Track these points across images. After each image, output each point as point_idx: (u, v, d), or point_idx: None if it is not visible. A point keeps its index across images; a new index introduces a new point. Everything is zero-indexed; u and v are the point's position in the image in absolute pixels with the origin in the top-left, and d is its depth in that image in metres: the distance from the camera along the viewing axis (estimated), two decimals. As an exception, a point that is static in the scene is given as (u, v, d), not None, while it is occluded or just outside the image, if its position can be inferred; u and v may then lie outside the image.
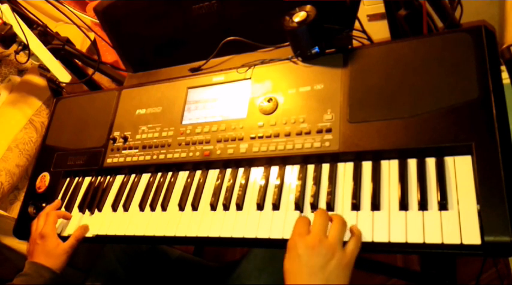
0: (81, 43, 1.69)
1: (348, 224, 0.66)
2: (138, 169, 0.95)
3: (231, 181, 0.82)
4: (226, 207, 0.80)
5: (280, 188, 0.77)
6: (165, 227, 0.83)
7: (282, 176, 0.78)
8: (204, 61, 1.01)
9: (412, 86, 0.72)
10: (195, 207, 0.83)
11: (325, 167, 0.76)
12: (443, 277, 1.06)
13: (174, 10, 0.99)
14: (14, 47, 1.21)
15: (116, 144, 0.98)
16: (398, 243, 0.63)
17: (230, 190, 0.81)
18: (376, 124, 0.72)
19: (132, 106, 1.01)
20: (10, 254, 1.30)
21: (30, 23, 1.24)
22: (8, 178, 1.36)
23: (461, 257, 1.29)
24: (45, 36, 1.26)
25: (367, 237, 0.65)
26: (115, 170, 0.97)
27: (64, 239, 0.88)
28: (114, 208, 0.91)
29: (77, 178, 1.02)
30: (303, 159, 0.78)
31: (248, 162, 0.83)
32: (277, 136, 0.80)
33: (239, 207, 0.78)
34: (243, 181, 0.81)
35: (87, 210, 0.94)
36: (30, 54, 1.19)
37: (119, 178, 0.97)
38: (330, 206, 0.71)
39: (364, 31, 0.91)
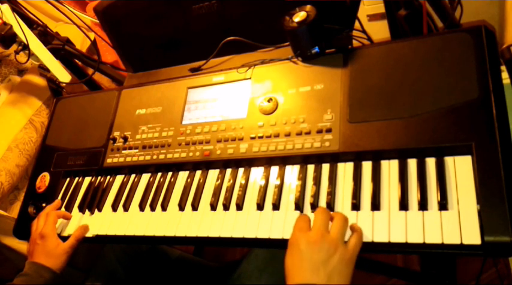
0: (81, 43, 1.69)
1: (341, 208, 0.66)
2: (138, 169, 0.95)
3: (231, 181, 0.82)
4: (226, 207, 0.80)
5: (280, 188, 0.77)
6: (165, 227, 0.83)
7: (282, 176, 0.78)
8: (204, 61, 1.01)
9: (412, 86, 0.72)
10: (195, 207, 0.83)
11: (325, 167, 0.76)
12: (443, 277, 1.06)
13: (174, 10, 0.99)
14: (14, 47, 1.21)
15: (116, 144, 0.98)
16: (398, 243, 0.63)
17: (230, 190, 0.81)
18: (376, 124, 0.72)
19: (132, 106, 1.01)
20: (10, 254, 1.30)
21: (30, 23, 1.24)
22: (8, 178, 1.36)
23: (461, 257, 1.29)
24: (45, 36, 1.26)
25: (367, 238, 0.65)
26: (115, 170, 0.97)
27: (64, 239, 0.88)
28: (114, 208, 0.91)
29: (77, 178, 1.02)
30: (303, 159, 0.78)
31: (248, 162, 0.83)
32: (277, 136, 0.80)
33: (239, 207, 0.78)
34: (243, 181, 0.81)
35: (87, 210, 0.94)
36: (30, 54, 1.19)
37: (119, 178, 0.97)
38: (330, 206, 0.71)
39: (364, 31, 0.91)
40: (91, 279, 1.02)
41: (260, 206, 0.76)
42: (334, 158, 0.76)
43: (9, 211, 1.40)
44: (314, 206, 0.72)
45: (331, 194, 0.72)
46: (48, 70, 1.27)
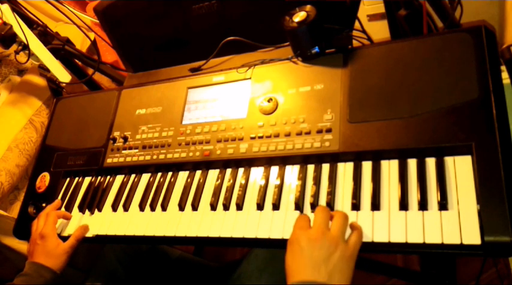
0: (81, 43, 1.69)
1: (341, 207, 0.66)
2: (138, 169, 0.95)
3: (231, 181, 0.82)
4: (226, 207, 0.80)
5: (280, 188, 0.77)
6: (165, 227, 0.83)
7: (282, 176, 0.78)
8: (204, 61, 1.01)
9: (412, 86, 0.72)
10: (195, 207, 0.83)
11: (325, 167, 0.76)
12: (443, 277, 1.06)
13: (174, 10, 0.99)
14: (14, 47, 1.21)
15: (116, 144, 0.98)
16: (398, 243, 0.63)
17: (230, 190, 0.81)
18: (376, 124, 0.72)
19: (132, 106, 1.01)
20: (10, 254, 1.30)
21: (30, 23, 1.24)
22: (8, 178, 1.36)
23: (461, 257, 1.29)
24: (45, 36, 1.26)
25: (367, 237, 0.65)
26: (115, 170, 0.97)
27: (64, 239, 0.88)
28: (114, 208, 0.91)
29: (77, 178, 1.02)
30: (303, 159, 0.78)
31: (248, 162, 0.83)
32: (277, 136, 0.80)
33: (239, 207, 0.78)
34: (243, 181, 0.81)
35: (87, 210, 0.94)
36: (30, 54, 1.19)
37: (119, 178, 0.97)
38: (330, 206, 0.71)
39: (364, 31, 0.91)
40: (91, 279, 1.02)
41: (260, 206, 0.76)
42: (334, 158, 0.76)
43: (9, 211, 1.40)
44: (314, 206, 0.72)
45: (331, 194, 0.72)
46: (48, 70, 1.27)
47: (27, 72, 1.63)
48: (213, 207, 0.81)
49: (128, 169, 0.96)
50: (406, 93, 0.72)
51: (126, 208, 0.90)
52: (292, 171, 0.79)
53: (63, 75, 1.29)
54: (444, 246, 0.60)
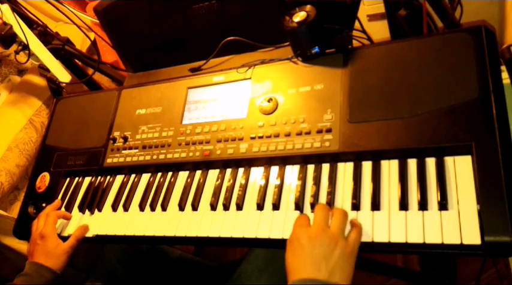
0: (81, 43, 1.69)
1: (348, 217, 0.66)
2: (138, 169, 0.95)
3: (231, 181, 0.82)
4: (226, 207, 0.80)
5: (280, 188, 0.77)
6: (165, 227, 0.83)
7: (282, 176, 0.78)
8: (204, 61, 1.01)
9: (412, 86, 0.72)
10: (195, 207, 0.83)
11: (325, 167, 0.76)
12: (443, 277, 1.06)
13: (174, 10, 0.99)
14: (14, 47, 1.21)
15: (116, 144, 0.98)
16: (398, 243, 0.63)
17: (230, 190, 0.81)
18: (376, 124, 0.72)
19: (132, 106, 1.01)
20: (10, 254, 1.30)
21: (30, 23, 1.24)
22: (8, 178, 1.36)
23: (461, 257, 1.29)
24: (45, 36, 1.26)
25: (367, 238, 0.65)
26: (115, 170, 0.97)
27: (64, 239, 0.88)
28: (114, 208, 0.91)
29: (77, 178, 1.02)
30: (303, 159, 0.78)
31: (248, 162, 0.83)
32: (277, 136, 0.80)
33: (239, 207, 0.78)
34: (243, 181, 0.81)
35: (87, 210, 0.94)
36: (30, 54, 1.19)
37: (119, 178, 0.97)
38: (330, 206, 0.71)
39: (364, 31, 0.91)
40: (91, 279, 1.02)
41: (260, 206, 0.76)
42: (334, 158, 0.76)
43: (9, 211, 1.40)
44: (314, 206, 0.72)
45: (331, 194, 0.72)
46: (48, 70, 1.27)
47: (27, 72, 1.63)
48: (213, 207, 0.81)
49: (128, 169, 0.96)
50: (406, 93, 0.72)
51: (126, 208, 0.90)
52: (292, 171, 0.79)
53: (63, 75, 1.29)
54: (444, 246, 0.60)
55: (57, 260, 0.85)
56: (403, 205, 0.66)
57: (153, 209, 0.87)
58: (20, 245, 1.27)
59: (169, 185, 0.88)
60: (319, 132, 0.77)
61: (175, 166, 0.90)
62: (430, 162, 0.68)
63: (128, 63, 1.14)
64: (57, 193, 1.01)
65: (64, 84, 1.30)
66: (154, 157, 0.91)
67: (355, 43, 0.85)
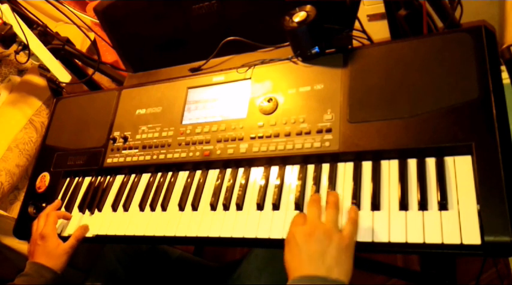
0: (81, 43, 1.69)
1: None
2: (138, 169, 0.95)
3: (231, 181, 0.82)
4: (226, 207, 0.80)
5: (280, 188, 0.77)
6: (165, 227, 0.83)
7: (282, 176, 0.78)
8: (204, 61, 1.01)
9: (412, 86, 0.72)
10: (195, 207, 0.83)
11: (325, 167, 0.76)
12: (443, 277, 1.06)
13: (174, 10, 0.99)
14: (14, 47, 1.21)
15: (116, 144, 0.98)
16: (398, 243, 0.63)
17: (230, 190, 0.81)
18: (376, 124, 0.72)
19: (132, 106, 1.01)
20: (10, 254, 1.30)
21: (30, 23, 1.24)
22: (8, 178, 1.36)
23: (461, 257, 1.29)
24: (45, 36, 1.26)
25: (367, 237, 0.65)
26: (115, 170, 0.97)
27: (64, 239, 0.88)
28: (114, 208, 0.91)
29: (77, 178, 1.02)
30: (303, 159, 0.78)
31: (248, 162, 0.83)
32: (277, 136, 0.80)
33: (239, 207, 0.78)
34: (243, 181, 0.81)
35: (87, 210, 0.94)
36: (30, 54, 1.19)
37: (119, 178, 0.97)
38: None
39: (364, 31, 0.91)
40: (91, 279, 1.02)
41: (260, 206, 0.76)
42: (334, 158, 0.76)
43: (9, 211, 1.40)
44: (314, 206, 0.72)
45: (331, 194, 0.72)
46: (48, 70, 1.27)
47: (27, 72, 1.63)
48: (213, 207, 0.81)
49: (128, 169, 0.96)
50: (406, 93, 0.72)
51: (126, 208, 0.90)
52: (292, 171, 0.79)
53: (63, 75, 1.29)
54: (444, 246, 0.60)
55: (58, 260, 0.85)
56: (403, 205, 0.66)
57: (153, 209, 0.87)
58: (20, 245, 1.27)
59: (169, 185, 0.88)
60: (319, 132, 0.77)
61: (175, 166, 0.90)
62: (430, 162, 0.68)
63: (128, 63, 1.14)
64: (57, 193, 1.01)
65: (64, 84, 1.30)
66: (154, 157, 0.91)
67: (355, 43, 0.85)
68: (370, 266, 1.33)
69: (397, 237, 0.63)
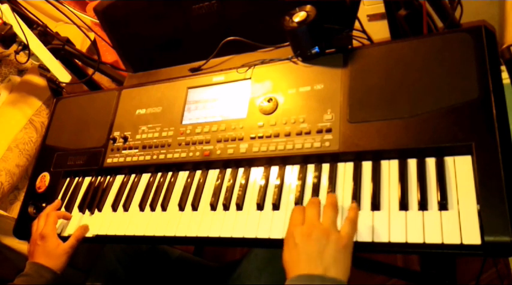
0: (81, 43, 1.69)
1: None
2: (138, 169, 0.95)
3: (231, 181, 0.82)
4: (226, 207, 0.80)
5: (280, 188, 0.77)
6: (165, 227, 0.83)
7: (282, 176, 0.78)
8: (204, 61, 1.01)
9: (412, 86, 0.72)
10: (195, 207, 0.83)
11: (325, 167, 0.76)
12: (443, 277, 1.06)
13: (174, 10, 0.99)
14: (14, 47, 1.21)
15: (116, 144, 0.98)
16: (398, 243, 0.63)
17: (230, 190, 0.81)
18: (376, 124, 0.72)
19: (132, 106, 1.01)
20: (10, 254, 1.30)
21: (30, 23, 1.24)
22: (8, 178, 1.36)
23: (461, 257, 1.29)
24: (45, 36, 1.26)
25: (367, 237, 0.65)
26: (115, 170, 0.97)
27: (64, 239, 0.88)
28: (114, 208, 0.91)
29: (77, 178, 1.02)
30: (303, 159, 0.78)
31: (248, 162, 0.83)
32: (277, 136, 0.80)
33: (239, 207, 0.78)
34: (243, 181, 0.81)
35: (87, 210, 0.94)
36: (30, 54, 1.19)
37: (119, 178, 0.97)
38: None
39: (364, 31, 0.91)
40: (91, 279, 1.02)
41: (260, 206, 0.76)
42: (334, 158, 0.76)
43: (9, 211, 1.40)
44: (314, 206, 0.72)
45: (331, 194, 0.72)
46: (48, 70, 1.27)
47: (27, 72, 1.63)
48: (213, 207, 0.81)
49: (128, 169, 0.96)
50: (406, 93, 0.72)
51: (126, 208, 0.90)
52: (292, 171, 0.79)
53: (63, 75, 1.29)
54: (444, 246, 0.60)
55: (58, 261, 0.85)
56: (403, 205, 0.66)
57: (153, 209, 0.87)
58: (20, 245, 1.27)
59: (169, 185, 0.88)
60: (319, 132, 0.77)
61: (175, 166, 0.90)
62: (430, 162, 0.68)
63: (128, 63, 1.14)
64: (57, 193, 1.01)
65: (64, 84, 1.30)
66: (154, 157, 0.91)
67: (355, 43, 0.85)
68: (370, 266, 1.33)
69: (397, 237, 0.63)
